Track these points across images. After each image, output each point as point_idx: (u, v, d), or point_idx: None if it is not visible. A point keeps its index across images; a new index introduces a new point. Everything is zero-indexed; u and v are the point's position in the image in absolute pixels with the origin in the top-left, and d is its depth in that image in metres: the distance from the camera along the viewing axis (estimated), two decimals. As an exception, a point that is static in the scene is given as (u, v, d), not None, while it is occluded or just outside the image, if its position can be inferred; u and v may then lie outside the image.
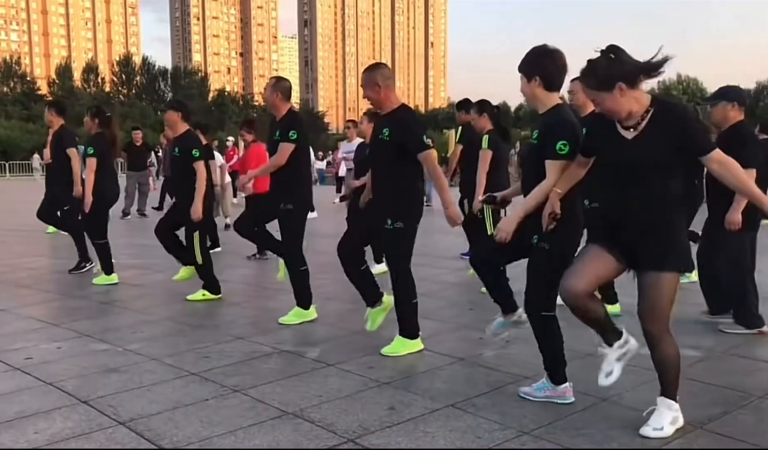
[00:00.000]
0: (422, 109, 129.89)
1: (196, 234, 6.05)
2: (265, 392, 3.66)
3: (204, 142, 7.64)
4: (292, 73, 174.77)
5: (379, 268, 6.62)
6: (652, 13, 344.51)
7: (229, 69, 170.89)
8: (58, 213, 7.62)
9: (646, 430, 3.04)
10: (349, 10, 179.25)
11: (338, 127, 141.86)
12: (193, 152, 6.01)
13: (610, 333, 3.28)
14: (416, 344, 4.36)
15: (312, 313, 5.24)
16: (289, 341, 4.67)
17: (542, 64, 3.37)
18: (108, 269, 6.91)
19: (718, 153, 2.96)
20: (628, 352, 3.28)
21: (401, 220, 4.23)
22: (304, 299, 5.22)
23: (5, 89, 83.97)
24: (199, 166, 5.99)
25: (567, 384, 3.49)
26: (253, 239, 5.66)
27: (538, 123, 3.49)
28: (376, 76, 4.29)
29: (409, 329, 4.35)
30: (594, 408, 3.38)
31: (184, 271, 6.28)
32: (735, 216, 4.54)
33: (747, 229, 4.63)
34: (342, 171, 16.33)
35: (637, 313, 3.14)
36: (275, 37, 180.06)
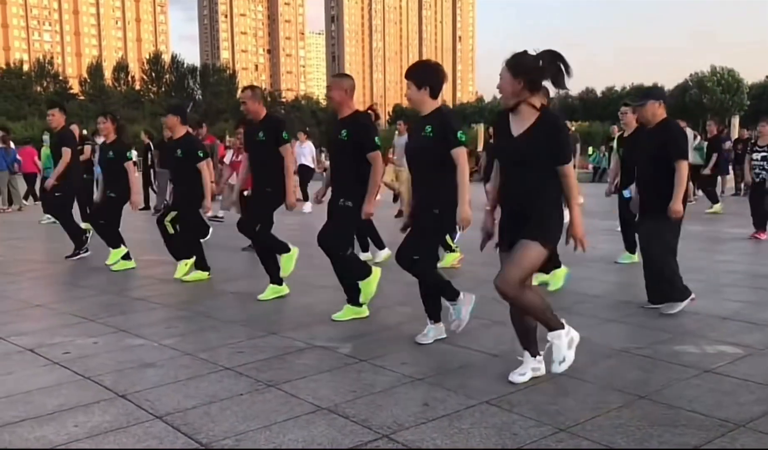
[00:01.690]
0: (450, 104, 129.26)
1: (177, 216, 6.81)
2: (299, 387, 3.67)
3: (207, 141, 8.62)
4: (318, 69, 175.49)
5: (365, 256, 7.19)
6: (684, 2, 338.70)
7: (256, 66, 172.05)
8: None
9: (554, 367, 3.56)
10: (376, 5, 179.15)
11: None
12: (199, 153, 6.65)
13: (554, 322, 3.62)
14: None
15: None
16: (322, 337, 4.68)
17: (431, 77, 4.27)
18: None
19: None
20: (573, 340, 3.65)
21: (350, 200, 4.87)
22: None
23: (39, 89, 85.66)
24: (203, 167, 6.63)
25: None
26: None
27: (423, 122, 4.26)
28: (344, 83, 5.00)
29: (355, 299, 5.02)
30: (631, 405, 3.33)
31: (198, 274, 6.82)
32: (677, 206, 4.96)
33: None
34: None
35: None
36: (302, 34, 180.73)
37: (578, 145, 13.18)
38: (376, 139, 4.92)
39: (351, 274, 5.06)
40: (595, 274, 6.82)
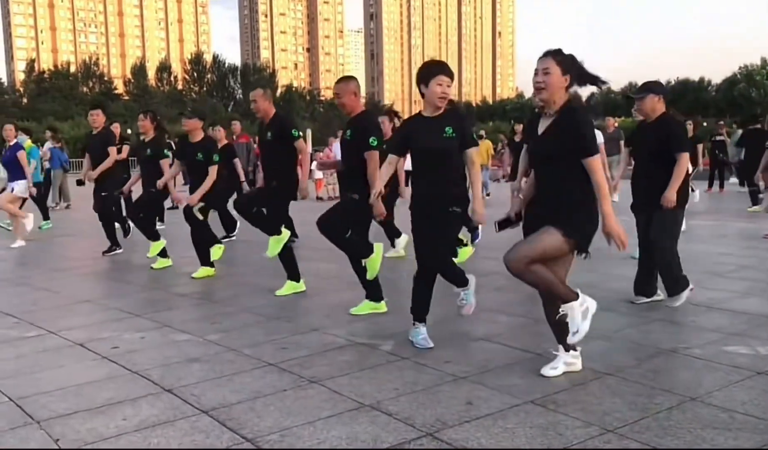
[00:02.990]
0: (490, 100, 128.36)
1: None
2: (341, 384, 3.68)
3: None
4: (357, 67, 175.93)
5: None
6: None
7: (296, 65, 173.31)
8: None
9: (569, 338, 3.56)
10: (415, 1, 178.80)
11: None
12: (214, 158, 6.93)
13: (567, 294, 3.57)
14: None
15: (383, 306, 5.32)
16: (363, 333, 4.68)
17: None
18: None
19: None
20: (589, 309, 3.58)
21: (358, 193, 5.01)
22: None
23: (85, 89, 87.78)
24: (213, 171, 6.87)
25: None
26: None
27: (440, 122, 4.21)
28: (351, 86, 5.18)
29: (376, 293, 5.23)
30: (681, 407, 3.25)
31: (204, 271, 6.99)
32: (671, 195, 5.02)
33: (680, 207, 5.15)
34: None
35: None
36: (341, 32, 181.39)
37: (622, 142, 12.89)
38: (372, 139, 5.02)
39: (356, 253, 5.19)
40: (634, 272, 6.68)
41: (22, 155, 9.77)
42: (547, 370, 3.68)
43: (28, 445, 3.05)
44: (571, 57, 3.56)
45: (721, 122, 21.18)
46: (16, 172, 9.78)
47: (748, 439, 2.88)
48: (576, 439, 2.94)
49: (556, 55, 3.51)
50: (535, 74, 3.54)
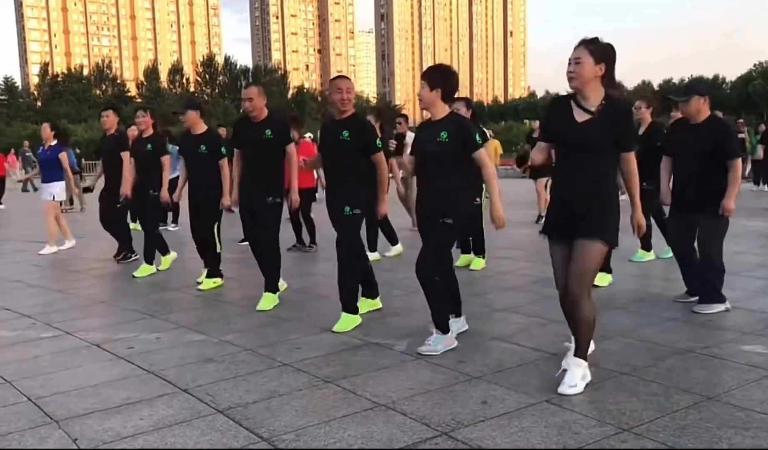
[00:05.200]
0: (501, 100, 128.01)
1: (215, 225, 6.66)
2: (356, 383, 3.69)
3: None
4: (368, 67, 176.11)
5: (373, 256, 7.02)
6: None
7: (307, 66, 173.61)
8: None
9: (563, 388, 3.45)
10: (426, 1, 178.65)
11: (416, 120, 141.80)
12: (222, 150, 6.55)
13: (586, 350, 3.61)
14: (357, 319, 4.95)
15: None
16: (377, 334, 4.69)
17: (445, 80, 4.20)
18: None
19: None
20: (587, 377, 3.56)
21: (359, 207, 4.91)
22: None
23: (98, 92, 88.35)
24: (224, 164, 6.51)
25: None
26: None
27: (437, 126, 4.21)
28: (352, 84, 5.02)
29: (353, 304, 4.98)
30: (698, 406, 3.23)
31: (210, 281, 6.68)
32: (730, 204, 4.88)
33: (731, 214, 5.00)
34: None
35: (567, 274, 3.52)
36: (352, 33, 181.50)
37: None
38: (378, 141, 4.98)
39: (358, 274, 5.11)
40: (650, 270, 6.66)
41: (64, 156, 9.52)
42: (565, 389, 3.46)
43: (46, 444, 3.08)
44: (608, 46, 3.45)
45: (741, 120, 20.95)
46: (53, 172, 9.51)
47: (766, 438, 2.86)
48: (591, 438, 2.93)
49: (589, 44, 3.44)
50: (569, 64, 3.49)
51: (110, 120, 8.41)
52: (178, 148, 7.82)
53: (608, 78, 3.45)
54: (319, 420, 3.21)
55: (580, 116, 3.48)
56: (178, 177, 7.41)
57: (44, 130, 9.82)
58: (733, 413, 3.13)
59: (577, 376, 3.49)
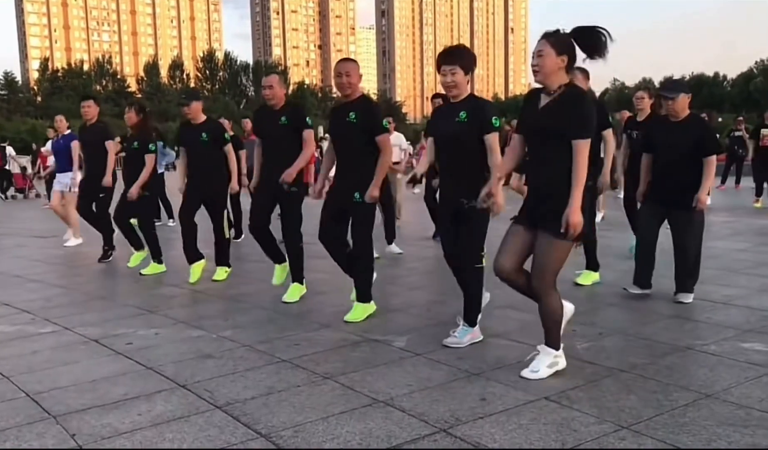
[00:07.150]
0: (502, 96, 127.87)
1: (225, 213, 6.75)
2: (354, 380, 3.68)
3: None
4: (369, 64, 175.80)
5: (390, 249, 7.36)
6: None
7: (308, 62, 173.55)
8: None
9: (525, 372, 3.59)
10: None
11: (416, 116, 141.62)
12: (225, 136, 6.56)
13: (556, 339, 3.70)
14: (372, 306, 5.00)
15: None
16: (376, 330, 4.68)
17: (474, 62, 4.21)
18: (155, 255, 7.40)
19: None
20: (558, 365, 3.66)
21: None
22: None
23: (98, 87, 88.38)
24: (230, 149, 6.54)
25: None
26: None
27: (458, 107, 4.15)
28: (357, 67, 4.93)
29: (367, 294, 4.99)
30: (697, 404, 3.22)
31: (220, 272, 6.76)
32: (704, 197, 5.08)
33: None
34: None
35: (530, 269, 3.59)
36: (353, 29, 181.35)
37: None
38: (385, 122, 5.00)
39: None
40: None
41: (75, 145, 9.07)
42: (527, 373, 3.61)
43: (44, 439, 3.08)
44: (567, 37, 3.45)
45: (740, 118, 20.89)
46: (65, 162, 9.36)
47: (765, 436, 2.86)
48: (590, 435, 2.92)
49: (550, 36, 3.46)
50: (532, 57, 3.54)
51: (92, 110, 8.15)
52: (161, 143, 7.79)
53: (570, 66, 3.47)
54: (317, 416, 3.21)
55: (543, 103, 3.55)
56: (160, 173, 7.41)
57: (58, 121, 9.56)
58: (732, 411, 3.12)
59: (543, 362, 3.60)
